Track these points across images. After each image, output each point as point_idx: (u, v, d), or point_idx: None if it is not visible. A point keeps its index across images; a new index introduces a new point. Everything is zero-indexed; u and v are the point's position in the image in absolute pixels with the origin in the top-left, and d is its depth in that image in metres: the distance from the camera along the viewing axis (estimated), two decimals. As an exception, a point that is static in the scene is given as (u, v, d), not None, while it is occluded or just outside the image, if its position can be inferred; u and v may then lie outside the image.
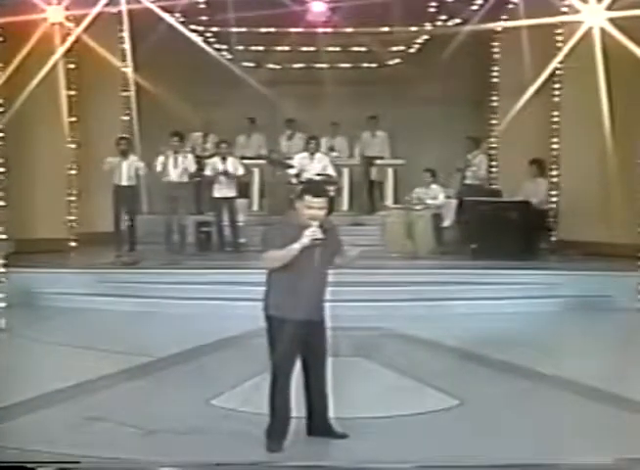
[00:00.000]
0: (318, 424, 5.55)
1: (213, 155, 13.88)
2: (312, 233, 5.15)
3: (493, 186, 14.92)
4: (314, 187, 5.54)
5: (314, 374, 5.50)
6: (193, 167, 13.05)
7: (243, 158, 14.89)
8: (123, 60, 13.86)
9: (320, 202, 5.23)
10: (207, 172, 13.42)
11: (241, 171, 13.46)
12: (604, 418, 6.07)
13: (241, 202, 14.08)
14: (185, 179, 12.99)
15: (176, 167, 12.84)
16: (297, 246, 5.15)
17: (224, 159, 13.37)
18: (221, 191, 13.32)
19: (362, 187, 15.82)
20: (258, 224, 12.80)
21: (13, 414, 5.91)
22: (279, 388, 5.30)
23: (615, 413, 6.16)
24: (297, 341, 5.29)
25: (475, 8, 13.89)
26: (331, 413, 5.58)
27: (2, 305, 9.90)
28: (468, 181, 14.35)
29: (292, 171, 13.54)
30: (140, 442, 5.45)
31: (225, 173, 13.21)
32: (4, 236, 10.22)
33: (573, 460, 5.18)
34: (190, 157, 13.19)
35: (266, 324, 5.38)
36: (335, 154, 15.41)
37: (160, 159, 12.88)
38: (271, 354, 5.33)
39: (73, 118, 13.22)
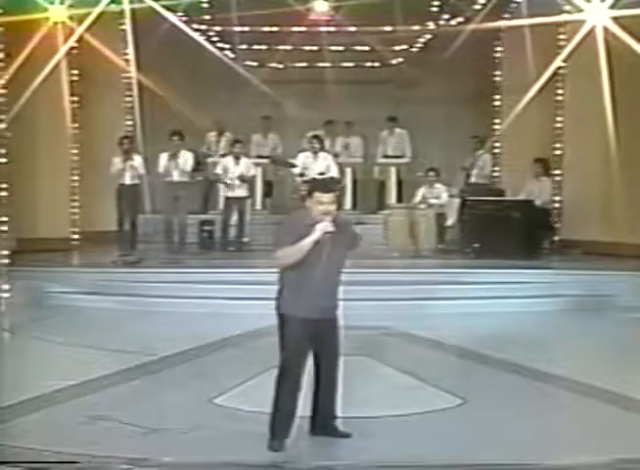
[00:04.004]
0: (322, 423, 5.53)
1: (226, 154, 13.83)
2: (324, 226, 5.17)
3: (496, 185, 14.90)
4: (322, 183, 5.78)
5: (325, 373, 5.47)
6: (189, 167, 12.96)
7: (259, 157, 14.89)
8: (126, 59, 13.85)
9: (330, 196, 5.28)
10: (218, 171, 13.39)
11: (253, 172, 13.46)
12: (606, 417, 6.05)
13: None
14: (186, 179, 12.99)
15: (177, 167, 12.83)
16: (309, 239, 5.15)
17: (237, 158, 13.33)
18: (233, 191, 13.29)
19: (366, 186, 15.81)
20: (262, 223, 12.82)
21: (15, 413, 5.90)
22: (288, 386, 5.25)
23: (617, 412, 6.15)
24: (310, 339, 5.28)
25: (477, 7, 13.88)
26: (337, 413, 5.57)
27: (6, 303, 9.92)
28: (473, 180, 14.34)
29: (295, 171, 13.54)
30: (142, 440, 5.44)
31: (242, 179, 13.19)
32: (7, 235, 10.24)
33: (574, 460, 5.16)
34: (189, 156, 13.12)
35: (278, 322, 5.37)
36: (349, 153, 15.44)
37: (162, 158, 12.88)
38: (282, 352, 5.31)
39: (76, 118, 13.24)
